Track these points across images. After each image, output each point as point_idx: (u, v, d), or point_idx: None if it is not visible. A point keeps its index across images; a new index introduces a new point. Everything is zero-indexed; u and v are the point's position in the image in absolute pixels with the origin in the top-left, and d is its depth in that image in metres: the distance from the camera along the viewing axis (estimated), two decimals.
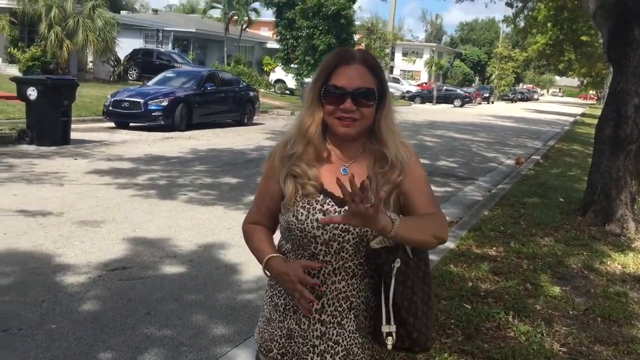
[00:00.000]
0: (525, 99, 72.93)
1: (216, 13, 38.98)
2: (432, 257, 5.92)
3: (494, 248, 6.22)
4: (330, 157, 1.86)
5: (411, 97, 46.32)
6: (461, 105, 45.57)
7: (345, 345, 1.82)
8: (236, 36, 35.92)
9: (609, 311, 4.68)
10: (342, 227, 1.76)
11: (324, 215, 1.78)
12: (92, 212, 6.62)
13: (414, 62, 50.64)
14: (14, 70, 22.68)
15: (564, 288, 5.18)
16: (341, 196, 1.70)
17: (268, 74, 34.88)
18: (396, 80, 49.17)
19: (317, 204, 1.80)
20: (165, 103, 14.72)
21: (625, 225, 7.21)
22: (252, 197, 7.82)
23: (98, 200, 7.16)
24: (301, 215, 1.79)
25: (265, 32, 48.85)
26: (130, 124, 14.98)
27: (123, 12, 42.84)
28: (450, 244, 6.36)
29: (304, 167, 1.82)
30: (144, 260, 5.28)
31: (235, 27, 36.20)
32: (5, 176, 8.14)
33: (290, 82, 31.04)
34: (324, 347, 1.82)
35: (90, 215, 6.48)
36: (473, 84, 67.23)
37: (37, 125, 10.99)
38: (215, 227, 6.47)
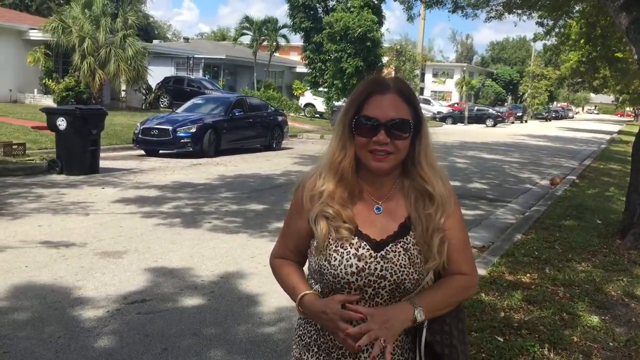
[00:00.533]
0: (560, 117, 71.81)
1: (246, 39, 39.45)
2: None
3: (528, 275, 5.94)
4: (363, 195, 1.76)
5: (442, 118, 46.01)
6: (493, 125, 45.04)
7: None
8: (265, 61, 36.26)
9: None
10: (377, 274, 1.68)
11: (359, 260, 1.68)
12: (115, 243, 6.57)
13: (444, 82, 50.34)
14: (49, 101, 23.20)
15: (603, 317, 4.89)
16: (376, 239, 1.69)
17: (298, 98, 35.03)
18: (427, 102, 48.91)
19: (351, 247, 1.69)
20: (193, 130, 14.80)
21: None
22: (277, 224, 7.74)
23: (122, 230, 7.11)
24: (334, 260, 1.69)
25: (295, 57, 49.28)
26: (160, 152, 15.09)
27: (155, 41, 43.73)
28: (481, 271, 6.10)
29: (338, 208, 1.71)
30: (164, 292, 5.17)
31: (265, 52, 36.57)
32: (33, 207, 8.18)
33: (320, 105, 31.10)
34: None
35: (112, 246, 6.43)
36: (505, 103, 66.52)
37: (66, 154, 11.11)
38: (239, 256, 6.34)
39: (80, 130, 11.06)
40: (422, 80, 62.84)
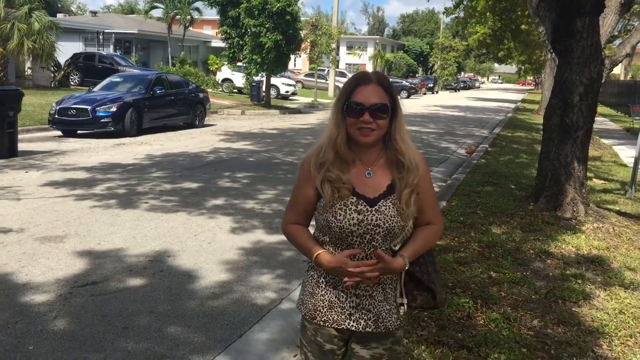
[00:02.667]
0: (468, 87, 74.65)
1: (158, 13, 38.31)
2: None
3: (456, 239, 6.43)
4: (356, 163, 2.24)
5: None
6: (408, 97, 46.23)
7: (375, 312, 2.26)
8: (179, 36, 35.44)
9: (568, 293, 4.93)
10: (373, 223, 2.18)
11: (359, 214, 2.17)
12: (53, 227, 6.50)
13: (360, 56, 50.98)
14: None
15: (524, 274, 5.42)
16: (370, 197, 2.19)
17: (215, 73, 34.54)
18: (342, 75, 49.46)
19: (352, 205, 2.18)
20: (114, 109, 14.45)
21: (575, 209, 7.56)
22: (214, 202, 7.91)
23: (57, 215, 7.02)
24: (339, 216, 2.18)
25: (209, 31, 48.33)
26: (78, 132, 14.65)
27: (59, 15, 41.62)
28: None
29: (338, 173, 2.19)
30: (112, 273, 5.24)
31: (178, 26, 35.70)
32: None
33: (239, 80, 30.84)
34: (359, 314, 2.26)
35: (51, 231, 6.37)
36: (417, 75, 68.28)
37: None
38: (182, 234, 6.46)
39: None
40: (338, 54, 63.33)
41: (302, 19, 27.36)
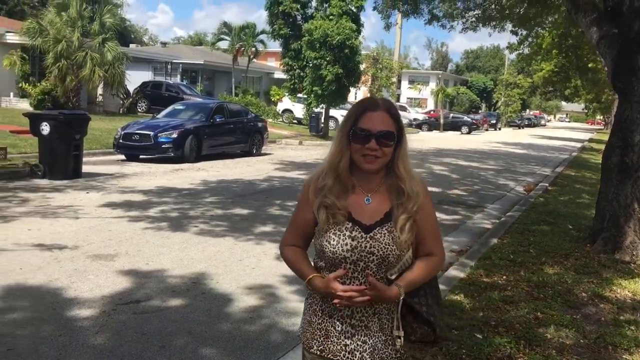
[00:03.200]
0: (532, 125, 73.12)
1: (224, 45, 39.55)
2: (442, 286, 5.96)
3: (504, 277, 6.24)
4: (356, 189, 2.21)
5: (418, 125, 46.59)
6: (468, 132, 45.76)
7: (371, 343, 2.19)
8: (244, 67, 36.39)
9: (620, 339, 4.69)
10: (367, 250, 2.13)
11: (353, 240, 2.13)
12: (106, 246, 6.72)
13: (420, 90, 50.93)
14: (25, 105, 23.07)
15: (574, 316, 5.19)
16: (366, 223, 2.15)
17: (276, 104, 35.22)
18: (403, 109, 49.46)
19: (346, 230, 2.15)
20: (175, 135, 14.92)
21: (634, 253, 7.22)
22: (263, 228, 7.98)
23: (111, 234, 7.26)
24: (333, 241, 2.15)
25: (272, 63, 49.42)
26: (141, 157, 15.17)
27: (132, 46, 43.55)
28: (460, 274, 6.40)
29: (334, 199, 2.16)
30: (156, 293, 5.35)
31: (242, 58, 36.70)
32: (20, 210, 8.27)
33: (298, 111, 31.31)
34: (354, 345, 2.19)
35: (103, 249, 6.58)
36: (480, 111, 67.54)
37: (50, 159, 11.17)
38: (227, 259, 6.54)
39: (63, 135, 11.14)
40: (399, 88, 63.49)
41: (363, 52, 27.64)
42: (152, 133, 14.77)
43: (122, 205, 9.00)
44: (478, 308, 5.23)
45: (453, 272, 6.54)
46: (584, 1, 8.20)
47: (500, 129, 58.67)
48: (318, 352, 2.23)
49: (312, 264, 2.29)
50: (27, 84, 24.16)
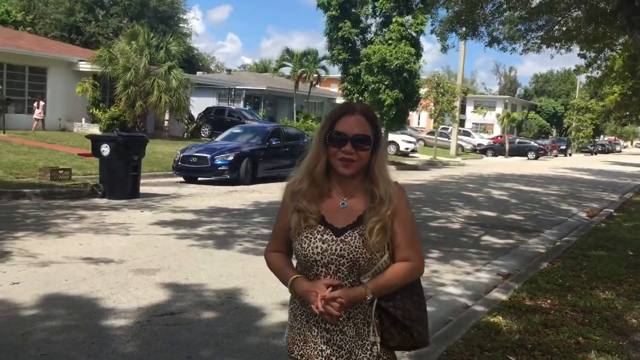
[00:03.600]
0: (607, 151, 70.38)
1: (287, 71, 40.32)
2: (480, 308, 5.79)
3: (549, 301, 6.00)
4: (332, 193, 2.21)
5: (482, 150, 45.80)
6: (535, 158, 44.57)
7: (347, 349, 2.16)
8: (305, 93, 36.92)
9: None
10: (337, 253, 2.13)
11: (323, 243, 2.13)
12: (150, 261, 6.90)
13: (484, 115, 50.10)
14: (96, 129, 24.14)
15: (620, 343, 4.92)
16: (338, 226, 2.15)
17: None
18: (467, 134, 48.78)
19: (317, 234, 2.15)
20: (231, 158, 15.24)
21: None
22: None
23: (157, 250, 7.45)
24: (304, 244, 2.15)
25: (335, 89, 49.94)
26: (199, 179, 15.55)
27: (199, 73, 45.03)
28: (501, 296, 6.20)
29: (306, 203, 2.17)
30: (191, 306, 5.45)
31: (305, 84, 37.26)
32: (75, 227, 8.63)
33: None
34: (330, 351, 2.17)
35: (147, 264, 6.76)
36: (550, 136, 65.66)
37: (109, 179, 11.64)
38: (265, 275, 6.53)
39: (122, 156, 11.59)
40: (463, 112, 62.68)
41: (423, 77, 27.56)
42: (209, 156, 15.15)
43: (172, 224, 9.24)
44: (515, 331, 5.04)
45: (495, 294, 6.34)
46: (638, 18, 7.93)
47: (570, 154, 56.79)
48: (298, 358, 2.21)
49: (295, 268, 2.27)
50: (97, 110, 25.33)
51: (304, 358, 2.19)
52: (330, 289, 2.09)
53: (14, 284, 5.72)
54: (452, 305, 6.11)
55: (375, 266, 2.15)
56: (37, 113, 24.38)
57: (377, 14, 24.97)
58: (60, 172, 12.94)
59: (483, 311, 5.62)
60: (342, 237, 2.13)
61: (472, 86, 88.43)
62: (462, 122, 57.30)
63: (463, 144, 44.52)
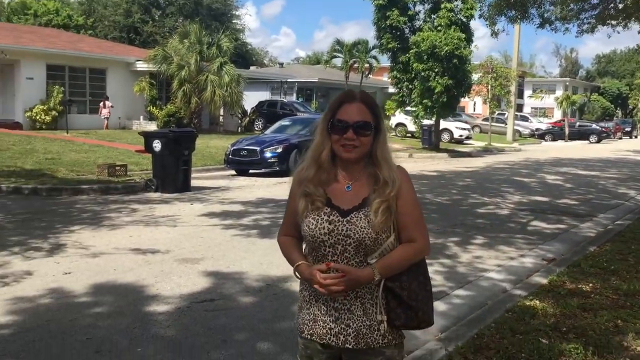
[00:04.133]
0: None
1: (338, 62, 40.35)
2: (519, 292, 5.75)
3: (590, 284, 5.88)
4: (338, 177, 2.31)
5: (541, 135, 44.59)
6: (598, 141, 43.08)
7: (354, 327, 2.24)
8: (357, 83, 36.85)
9: None
10: (344, 233, 2.22)
11: (330, 224, 2.23)
12: (195, 251, 7.16)
13: (541, 98, 48.71)
14: (153, 127, 24.89)
15: None
16: (344, 208, 2.24)
17: (389, 118, 35.27)
18: (524, 119, 47.57)
19: (324, 215, 2.25)
20: (279, 150, 15.47)
21: None
22: None
23: (202, 240, 7.71)
24: (312, 225, 2.24)
25: (387, 78, 49.61)
26: (250, 171, 15.85)
27: (252, 68, 45.64)
28: (541, 280, 6.13)
29: (313, 187, 2.28)
30: (231, 293, 5.64)
31: (357, 74, 37.21)
32: (127, 220, 9.02)
33: (412, 125, 31.14)
34: (338, 329, 2.25)
35: (192, 254, 7.01)
36: (615, 118, 63.21)
37: (161, 174, 12.05)
38: None
39: (173, 151, 11.97)
40: (521, 97, 61.09)
41: (476, 62, 27.06)
42: (258, 148, 15.43)
43: (219, 215, 9.50)
44: (551, 314, 5.00)
45: (536, 278, 6.28)
46: None
47: (636, 137, 54.57)
48: (308, 337, 2.31)
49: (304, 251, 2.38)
50: (154, 108, 26.11)
51: (314, 336, 2.29)
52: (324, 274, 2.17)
53: (66, 273, 6.06)
54: (492, 290, 6.08)
55: (381, 247, 2.24)
56: (105, 112, 25.27)
57: (426, 0, 24.68)
58: (117, 168, 13.48)
59: (520, 295, 5.58)
60: (348, 218, 2.22)
61: (531, 70, 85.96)
62: (519, 107, 55.91)
63: (520, 129, 43.42)
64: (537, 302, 5.32)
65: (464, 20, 23.93)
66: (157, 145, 11.95)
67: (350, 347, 2.24)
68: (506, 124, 38.90)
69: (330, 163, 2.29)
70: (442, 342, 4.44)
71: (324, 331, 2.26)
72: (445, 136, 31.86)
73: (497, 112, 41.16)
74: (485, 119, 40.02)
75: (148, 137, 12.21)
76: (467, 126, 34.53)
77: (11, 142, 17.55)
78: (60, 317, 4.90)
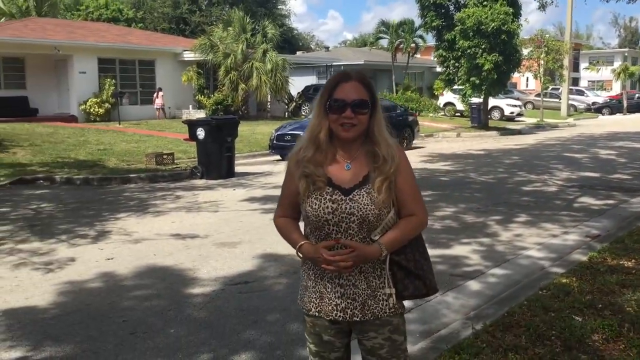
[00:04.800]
0: None
1: (385, 43, 39.90)
2: (556, 269, 5.62)
3: (632, 261, 5.71)
4: (336, 157, 2.34)
5: (598, 109, 43.07)
6: None
7: (360, 300, 2.30)
8: (404, 64, 36.42)
9: None
10: (347, 211, 2.24)
11: (333, 203, 2.25)
12: (233, 235, 7.29)
13: (598, 70, 46.89)
14: (202, 115, 25.26)
15: None
16: (346, 187, 2.27)
17: (438, 98, 34.79)
18: (580, 93, 45.98)
19: (327, 195, 2.27)
20: None
21: None
22: None
23: (241, 225, 7.84)
24: (315, 205, 2.27)
25: (433, 58, 48.83)
26: None
27: (299, 53, 45.66)
28: (581, 257, 5.99)
29: (313, 168, 2.29)
30: (266, 275, 5.73)
31: (403, 54, 36.74)
32: (171, 206, 9.25)
33: (460, 104, 30.61)
34: (345, 304, 2.30)
35: (230, 238, 7.15)
36: None
37: (206, 161, 12.27)
38: None
39: (216, 138, 12.16)
40: (576, 70, 59.01)
41: (525, 36, 26.25)
42: (302, 133, 15.43)
43: (260, 200, 9.63)
44: (587, 291, 4.88)
45: (575, 255, 6.13)
46: None
47: None
48: (316, 314, 2.37)
49: (303, 232, 2.40)
50: (202, 96, 26.50)
51: (321, 313, 2.34)
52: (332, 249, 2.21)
53: (108, 259, 6.28)
54: (530, 268, 5.97)
55: (383, 222, 2.28)
56: (158, 103, 25.85)
57: None
58: (165, 157, 13.80)
59: (557, 273, 5.47)
60: (351, 197, 2.25)
61: (587, 42, 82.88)
62: (575, 81, 54.04)
63: (576, 103, 42.04)
64: (574, 279, 5.20)
65: None
66: (200, 133, 12.17)
67: (357, 319, 2.30)
68: (560, 99, 37.72)
69: (329, 143, 2.31)
70: (471, 320, 4.41)
71: (331, 307, 2.31)
72: (496, 114, 31.18)
73: (550, 87, 39.92)
74: (538, 95, 38.91)
75: (192, 125, 12.45)
76: (519, 103, 33.68)
77: (66, 134, 18.19)
78: (100, 300, 5.10)
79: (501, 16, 21.76)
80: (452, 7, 24.38)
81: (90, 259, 6.28)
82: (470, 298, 5.13)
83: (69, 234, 7.41)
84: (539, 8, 17.43)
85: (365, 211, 2.23)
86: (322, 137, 2.29)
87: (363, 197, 2.25)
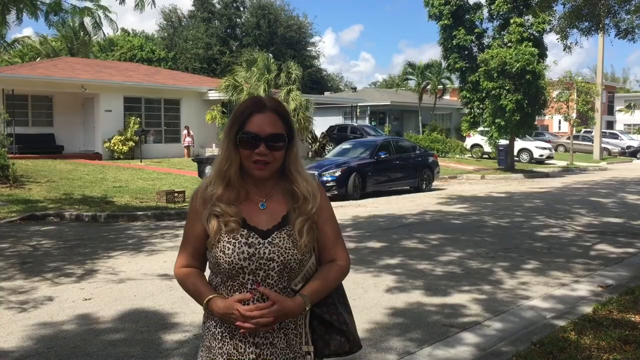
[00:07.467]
0: None
1: (412, 84, 39.93)
2: (556, 322, 5.20)
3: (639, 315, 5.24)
4: (249, 195, 2.06)
5: (632, 153, 42.04)
6: None
7: None
8: (431, 105, 36.27)
9: None
10: (266, 257, 1.95)
11: (249, 247, 1.95)
12: None
13: (632, 113, 45.97)
14: None
15: None
16: (263, 228, 1.99)
17: (465, 139, 34.42)
18: (614, 136, 45.03)
19: (242, 238, 1.97)
20: (338, 173, 15.26)
21: None
22: (388, 261, 7.75)
23: None
24: (228, 250, 1.95)
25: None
26: None
27: (327, 93, 45.96)
28: (586, 308, 5.55)
29: (224, 207, 2.00)
30: None
31: (430, 96, 36.64)
32: (168, 245, 9.05)
33: (488, 146, 30.19)
34: None
35: None
36: None
37: None
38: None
39: None
40: (611, 113, 57.98)
41: (553, 79, 25.84)
42: (317, 172, 15.27)
43: None
44: (584, 347, 4.45)
45: (580, 307, 5.68)
46: None
47: None
48: None
49: (208, 281, 2.08)
50: None
51: None
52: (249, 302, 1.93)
53: (86, 299, 6.06)
54: (530, 320, 5.53)
55: (304, 269, 2.03)
56: (188, 141, 26.20)
57: (494, 17, 23.95)
58: (176, 194, 13.72)
59: (555, 325, 5.04)
60: (270, 239, 1.98)
61: (624, 85, 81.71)
62: (610, 124, 53.09)
63: (609, 147, 41.15)
64: (573, 333, 4.77)
65: (536, 34, 23.01)
66: (208, 171, 12.05)
67: None
68: (593, 142, 36.92)
69: (240, 179, 2.04)
70: None
71: None
72: (525, 156, 30.63)
73: (583, 130, 39.20)
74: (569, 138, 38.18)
75: (200, 162, 12.37)
76: (549, 145, 33.04)
77: (85, 171, 18.34)
78: (64, 344, 4.85)
79: (526, 57, 21.49)
80: (475, 49, 24.23)
81: (68, 299, 6.06)
82: (460, 351, 4.74)
83: (56, 272, 7.23)
84: (564, 49, 17.06)
85: (287, 256, 1.97)
86: (232, 174, 2.02)
87: (284, 240, 1.98)
